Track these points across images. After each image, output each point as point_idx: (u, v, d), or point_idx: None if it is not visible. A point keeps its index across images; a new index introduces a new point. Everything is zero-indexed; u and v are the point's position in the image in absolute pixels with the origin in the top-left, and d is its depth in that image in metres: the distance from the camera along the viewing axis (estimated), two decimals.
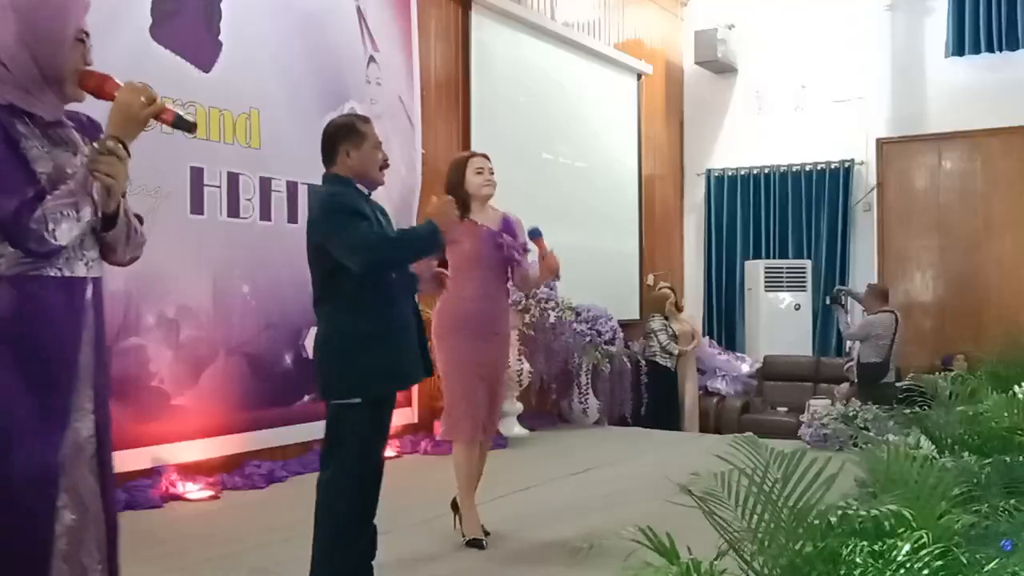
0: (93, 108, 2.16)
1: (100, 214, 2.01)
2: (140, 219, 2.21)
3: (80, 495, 2.01)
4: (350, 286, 3.05)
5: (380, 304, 3.10)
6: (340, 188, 3.14)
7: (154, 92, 2.04)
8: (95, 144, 1.99)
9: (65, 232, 1.92)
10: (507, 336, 4.33)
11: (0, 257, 1.91)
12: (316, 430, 5.43)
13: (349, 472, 3.10)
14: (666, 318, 8.62)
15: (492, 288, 4.13)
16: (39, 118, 2.01)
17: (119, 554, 2.14)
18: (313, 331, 3.24)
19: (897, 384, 7.22)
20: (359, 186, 3.19)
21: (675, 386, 8.60)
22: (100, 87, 2.06)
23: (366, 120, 3.26)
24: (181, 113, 2.12)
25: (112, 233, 2.09)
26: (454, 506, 4.18)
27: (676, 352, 8.50)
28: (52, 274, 1.97)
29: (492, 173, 4.15)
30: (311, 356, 3.18)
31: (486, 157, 4.19)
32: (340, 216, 3.02)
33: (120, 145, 1.98)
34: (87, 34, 2.06)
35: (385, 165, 3.25)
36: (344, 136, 3.16)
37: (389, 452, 5.96)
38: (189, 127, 2.16)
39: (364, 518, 3.20)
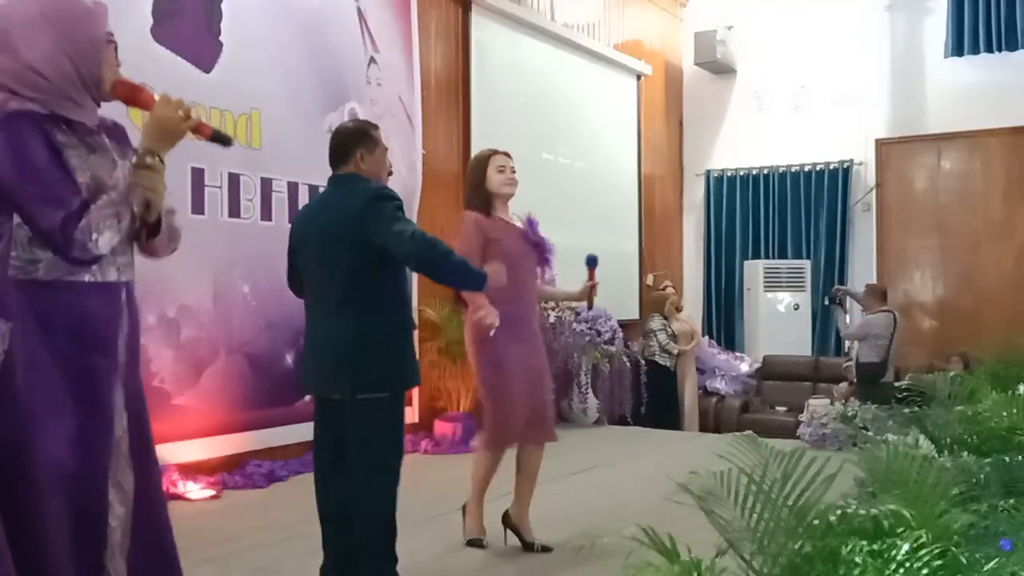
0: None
1: (139, 223, 2.06)
2: (172, 211, 2.29)
3: (124, 490, 2.08)
4: (382, 283, 3.10)
5: (403, 303, 3.21)
6: (375, 184, 3.18)
7: (189, 106, 2.08)
8: (135, 158, 2.04)
9: (107, 241, 1.96)
10: (540, 336, 4.22)
11: (39, 262, 1.98)
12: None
13: (385, 466, 3.11)
14: (665, 318, 8.63)
15: (526, 288, 4.03)
16: (79, 126, 2.05)
17: (175, 546, 2.25)
18: None
19: (896, 384, 7.22)
20: None
21: (675, 386, 8.60)
22: (133, 97, 2.11)
23: (376, 127, 3.33)
24: (218, 129, 2.18)
25: (156, 240, 2.17)
26: (505, 520, 4.08)
27: (676, 352, 8.51)
28: (88, 279, 2.02)
29: (514, 172, 4.05)
30: (323, 352, 3.15)
31: (508, 155, 4.08)
32: (392, 205, 3.06)
33: (157, 159, 2.03)
34: (112, 34, 2.10)
35: (391, 172, 3.33)
36: (359, 140, 3.21)
37: None
38: (226, 141, 2.23)
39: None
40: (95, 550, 2.01)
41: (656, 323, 8.59)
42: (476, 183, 4.03)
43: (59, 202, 1.92)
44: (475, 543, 4.03)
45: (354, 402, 3.07)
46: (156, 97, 2.09)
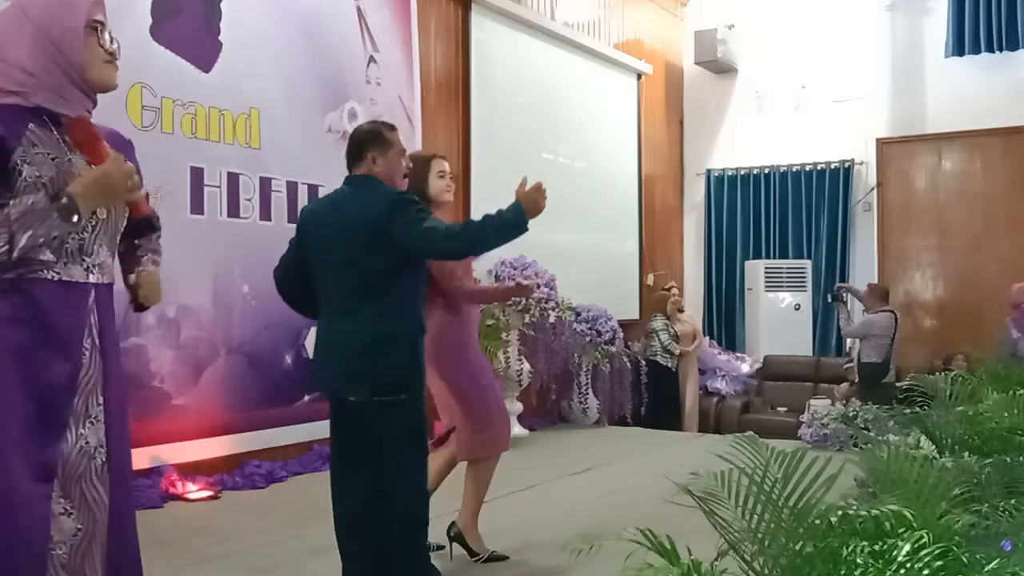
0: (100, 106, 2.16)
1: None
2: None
3: (88, 505, 1.99)
4: (401, 284, 3.06)
5: (419, 306, 3.15)
6: (392, 187, 3.15)
7: (137, 181, 2.05)
8: (62, 199, 1.92)
9: None
10: None
11: None
12: (316, 430, 5.47)
13: (415, 466, 3.10)
14: (668, 318, 8.60)
15: None
16: (64, 119, 2.03)
17: (141, 568, 2.13)
18: (314, 331, 3.24)
19: (898, 384, 7.22)
20: None
21: (676, 386, 8.57)
22: (88, 142, 2.02)
23: (392, 128, 3.26)
24: (153, 217, 2.19)
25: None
26: (459, 537, 3.92)
27: (677, 352, 8.48)
28: (50, 277, 1.97)
29: (452, 178, 3.93)
30: (342, 352, 3.08)
31: (446, 159, 3.96)
32: (416, 207, 3.02)
33: (76, 213, 1.93)
34: (101, 23, 2.07)
35: (407, 174, 3.24)
36: (372, 142, 3.16)
37: None
38: (153, 225, 2.28)
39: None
40: (33, 565, 1.88)
41: (658, 323, 8.54)
42: (417, 187, 3.71)
43: None
44: (497, 556, 3.90)
45: (374, 404, 3.03)
46: (110, 154, 2.03)
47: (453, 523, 3.95)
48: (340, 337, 3.08)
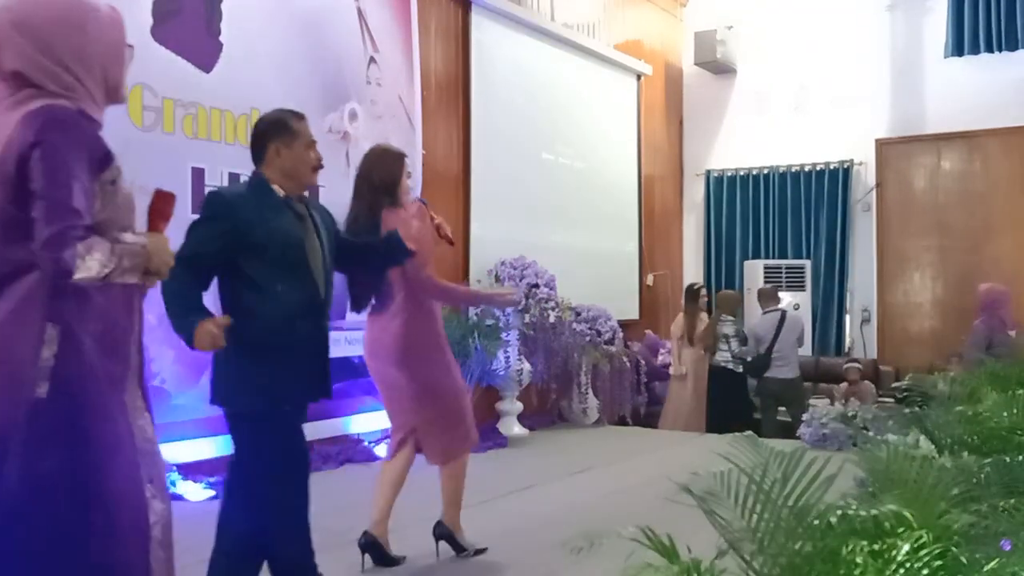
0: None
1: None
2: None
3: (163, 486, 2.10)
4: (240, 291, 2.88)
5: (267, 315, 2.85)
6: (228, 191, 3.03)
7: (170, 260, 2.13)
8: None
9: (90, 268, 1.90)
10: None
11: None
12: (316, 430, 5.48)
13: (255, 489, 2.92)
14: (733, 317, 8.19)
15: None
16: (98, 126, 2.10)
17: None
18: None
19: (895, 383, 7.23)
20: (276, 187, 2.91)
21: (746, 392, 8.13)
22: (162, 214, 2.16)
23: (300, 117, 2.98)
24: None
25: None
26: (448, 536, 3.89)
27: (749, 358, 7.99)
28: (119, 280, 2.00)
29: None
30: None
31: None
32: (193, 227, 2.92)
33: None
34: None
35: (319, 166, 3.00)
36: (275, 133, 2.91)
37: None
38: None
39: None
40: (140, 549, 2.00)
41: (729, 328, 8.11)
42: (392, 182, 3.65)
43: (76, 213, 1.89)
44: (480, 549, 3.93)
45: (228, 416, 2.91)
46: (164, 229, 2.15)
47: (439, 522, 3.91)
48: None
